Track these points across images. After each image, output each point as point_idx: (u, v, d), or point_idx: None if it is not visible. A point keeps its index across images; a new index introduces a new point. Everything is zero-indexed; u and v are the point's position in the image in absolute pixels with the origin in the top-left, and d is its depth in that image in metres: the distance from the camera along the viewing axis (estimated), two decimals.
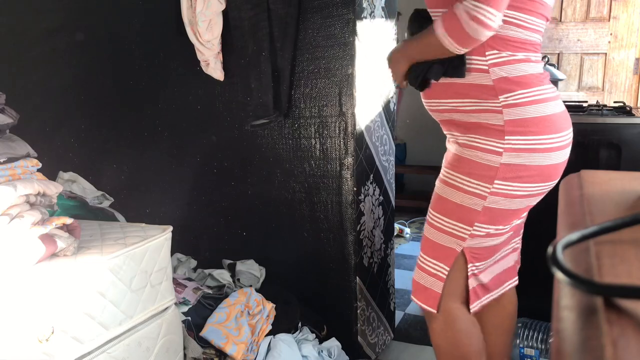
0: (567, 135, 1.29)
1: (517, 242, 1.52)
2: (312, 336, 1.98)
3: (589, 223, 0.51)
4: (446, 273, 1.36)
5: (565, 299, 0.38)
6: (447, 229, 1.34)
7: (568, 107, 2.24)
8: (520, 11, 1.22)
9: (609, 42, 3.62)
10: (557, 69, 2.93)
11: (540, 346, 1.96)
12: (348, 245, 1.96)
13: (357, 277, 1.99)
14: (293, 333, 1.96)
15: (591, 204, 0.57)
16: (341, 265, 2.00)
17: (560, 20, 3.66)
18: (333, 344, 1.99)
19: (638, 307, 0.35)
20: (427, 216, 1.40)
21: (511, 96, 1.23)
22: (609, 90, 3.66)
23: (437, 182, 1.38)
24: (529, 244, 1.59)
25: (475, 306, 1.41)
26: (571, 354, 0.32)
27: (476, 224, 1.30)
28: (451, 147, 1.38)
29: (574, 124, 2.09)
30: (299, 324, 2.01)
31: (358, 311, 2.02)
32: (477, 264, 1.38)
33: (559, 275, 0.39)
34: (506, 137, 1.23)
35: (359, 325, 2.03)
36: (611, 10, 3.58)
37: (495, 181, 1.25)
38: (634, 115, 2.04)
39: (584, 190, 0.61)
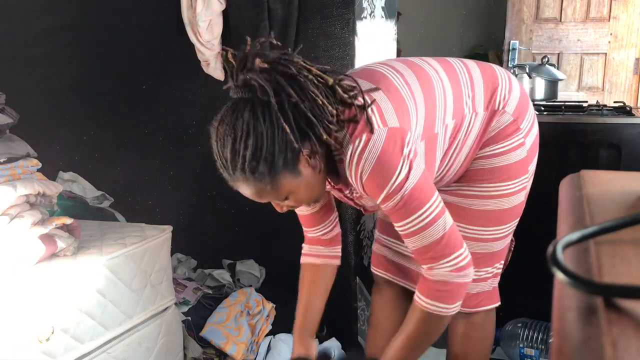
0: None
1: None
2: None
3: (589, 223, 0.51)
4: (502, 266, 1.38)
5: (565, 299, 0.38)
6: (505, 233, 1.33)
7: (568, 107, 2.25)
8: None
9: (609, 42, 3.62)
10: (557, 69, 2.93)
11: (540, 346, 1.96)
12: (348, 245, 1.96)
13: (357, 277, 1.99)
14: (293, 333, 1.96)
15: (591, 204, 0.57)
16: (341, 265, 1.99)
17: (560, 20, 3.66)
18: (333, 344, 1.99)
19: (638, 307, 0.35)
20: (474, 234, 1.29)
21: (499, 98, 1.27)
22: (609, 90, 3.66)
23: (468, 200, 1.28)
24: (529, 244, 1.59)
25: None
26: (571, 354, 0.32)
27: (522, 210, 1.34)
28: (472, 166, 1.31)
29: (574, 124, 2.10)
30: None
31: (358, 311, 2.02)
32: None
33: (559, 275, 0.39)
34: (520, 126, 1.27)
35: (359, 325, 2.03)
36: (611, 10, 3.58)
37: (529, 167, 1.30)
38: (634, 115, 2.04)
39: (584, 190, 0.61)
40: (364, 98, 1.05)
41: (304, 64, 1.03)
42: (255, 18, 1.90)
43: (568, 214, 0.56)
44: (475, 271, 1.26)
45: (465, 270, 1.08)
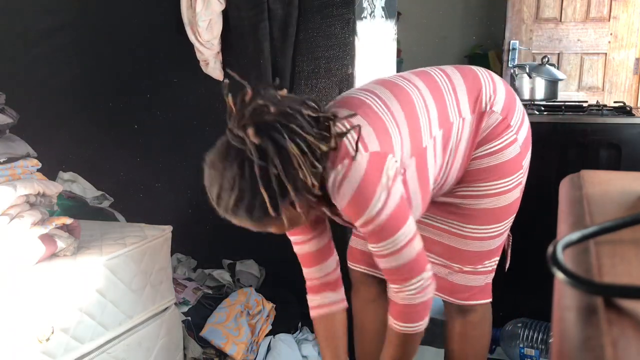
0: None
1: None
2: (312, 336, 1.98)
3: (589, 223, 0.51)
4: (497, 261, 1.40)
5: (565, 299, 0.38)
6: (502, 231, 1.34)
7: (568, 107, 2.25)
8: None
9: (609, 42, 3.62)
10: (557, 69, 2.93)
11: (540, 346, 1.96)
12: (348, 246, 1.96)
13: None
14: (293, 333, 1.96)
15: (591, 204, 0.57)
16: (341, 265, 1.99)
17: (560, 20, 3.66)
18: None
19: (638, 307, 0.35)
20: (467, 232, 1.31)
21: (487, 100, 1.29)
22: (609, 90, 3.66)
23: (462, 200, 1.31)
24: (529, 244, 1.59)
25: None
26: (571, 354, 0.32)
27: (518, 205, 1.36)
28: (468, 167, 1.33)
29: (574, 124, 2.10)
30: (299, 324, 2.01)
31: None
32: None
33: (559, 275, 0.39)
34: (510, 124, 1.28)
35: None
36: (611, 10, 3.58)
37: (523, 163, 1.31)
38: (634, 115, 2.03)
39: (584, 190, 0.61)
40: (345, 125, 1.08)
41: (301, 130, 1.01)
42: (255, 18, 1.90)
43: (568, 214, 0.56)
44: (472, 268, 1.36)
45: (427, 290, 1.15)
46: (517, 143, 1.29)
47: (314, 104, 1.07)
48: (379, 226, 1.09)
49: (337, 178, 1.07)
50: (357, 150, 1.07)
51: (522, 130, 1.30)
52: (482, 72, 1.32)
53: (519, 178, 1.31)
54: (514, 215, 1.35)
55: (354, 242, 1.53)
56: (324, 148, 1.04)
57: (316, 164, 1.03)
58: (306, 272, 1.38)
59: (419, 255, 1.13)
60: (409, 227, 1.11)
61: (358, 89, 1.26)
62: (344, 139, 1.08)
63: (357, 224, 1.12)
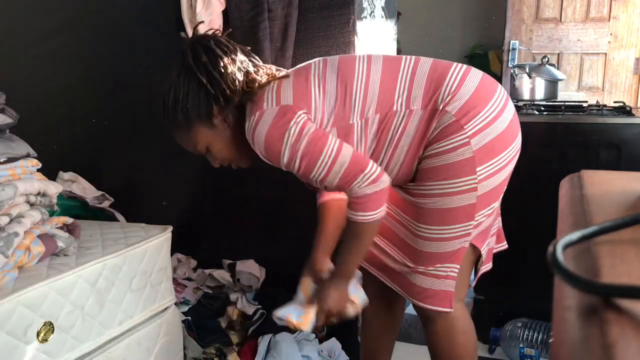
0: (501, 94, 1.32)
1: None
2: (312, 336, 1.98)
3: (589, 223, 0.51)
4: (457, 271, 1.34)
5: (565, 299, 0.38)
6: (451, 235, 1.31)
7: (568, 107, 2.25)
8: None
9: (609, 42, 3.62)
10: (557, 69, 2.93)
11: (540, 346, 1.96)
12: None
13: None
14: (293, 333, 1.96)
15: (591, 204, 0.57)
16: None
17: (560, 20, 3.66)
18: (333, 344, 1.99)
19: (638, 307, 0.35)
20: (417, 231, 1.34)
21: (441, 98, 1.27)
22: (609, 90, 3.66)
23: (414, 198, 1.33)
24: (529, 244, 1.59)
25: (485, 267, 1.45)
26: (571, 354, 0.32)
27: (476, 215, 1.30)
28: (419, 166, 1.35)
29: (574, 124, 2.10)
30: None
31: None
32: (484, 243, 1.39)
33: (559, 275, 0.39)
34: (465, 126, 1.24)
35: (359, 325, 2.03)
36: (611, 10, 3.58)
37: (477, 169, 1.25)
38: (634, 115, 2.04)
39: (584, 190, 0.61)
40: (267, 80, 1.30)
41: (227, 44, 1.30)
42: (255, 18, 1.90)
43: (568, 214, 0.56)
44: (424, 268, 1.35)
45: (379, 180, 1.23)
46: (468, 147, 1.24)
47: (255, 57, 1.35)
48: (302, 158, 1.23)
49: (250, 128, 1.26)
50: (268, 103, 1.25)
51: (480, 136, 1.25)
52: (454, 70, 1.29)
53: (470, 183, 1.26)
54: (470, 222, 1.30)
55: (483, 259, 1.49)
56: (251, 70, 1.30)
57: (239, 70, 1.28)
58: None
59: (353, 159, 1.23)
60: (332, 146, 1.23)
61: (323, 57, 1.38)
62: (264, 95, 1.26)
63: (282, 166, 1.26)
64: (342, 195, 1.44)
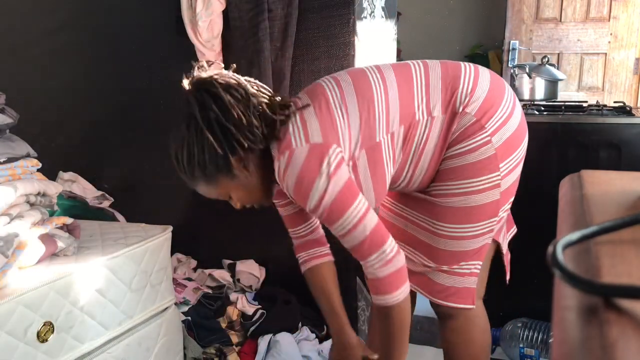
0: (509, 90, 1.35)
1: None
2: (312, 336, 1.98)
3: (589, 223, 0.51)
4: (480, 267, 1.36)
5: (565, 299, 0.38)
6: (477, 232, 1.32)
7: (568, 107, 2.25)
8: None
9: (609, 42, 3.62)
10: (557, 69, 2.93)
11: (540, 346, 1.96)
12: None
13: (357, 277, 1.99)
14: (293, 333, 1.96)
15: (591, 204, 0.57)
16: (341, 265, 1.99)
17: (560, 20, 3.66)
18: None
19: (638, 307, 0.35)
20: (440, 230, 1.33)
21: (461, 99, 1.27)
22: (609, 90, 3.66)
23: (436, 198, 1.33)
24: (528, 243, 1.59)
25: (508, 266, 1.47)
26: (571, 354, 0.32)
27: (500, 211, 1.32)
28: (440, 167, 1.35)
29: (574, 124, 2.10)
30: (299, 324, 2.01)
31: (358, 311, 2.02)
32: (501, 236, 1.41)
33: (559, 275, 0.39)
34: (485, 125, 1.26)
35: (359, 325, 2.03)
36: (611, 10, 3.58)
37: (500, 165, 1.28)
38: (634, 115, 2.04)
39: (584, 190, 0.61)
40: (287, 115, 1.21)
41: (235, 85, 1.19)
42: (255, 18, 1.90)
43: (568, 214, 0.56)
44: (448, 267, 1.35)
45: (391, 263, 1.20)
46: (490, 145, 1.26)
47: (264, 89, 1.25)
48: (326, 211, 1.18)
49: (281, 169, 1.19)
50: (297, 142, 1.17)
51: (500, 132, 1.27)
52: (466, 72, 1.30)
53: (495, 179, 1.28)
54: (494, 218, 1.32)
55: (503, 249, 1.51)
56: (267, 109, 1.19)
57: (254, 116, 1.18)
58: (292, 231, 1.47)
59: (373, 233, 1.19)
60: (358, 208, 1.18)
61: (331, 76, 1.32)
62: (289, 131, 1.19)
63: (308, 210, 1.21)
64: (321, 258, 1.46)
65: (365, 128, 1.24)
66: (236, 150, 1.18)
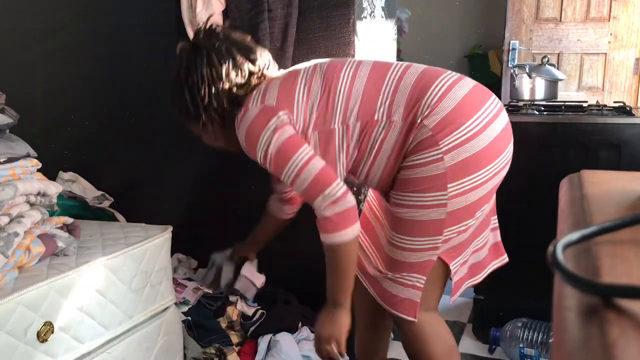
0: (489, 108, 1.27)
1: (495, 221, 1.46)
2: (312, 336, 1.98)
3: (589, 223, 0.51)
4: (424, 282, 1.32)
5: (565, 299, 0.38)
6: (417, 246, 1.30)
7: (568, 107, 2.25)
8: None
9: (609, 42, 3.62)
10: (557, 69, 2.93)
11: (540, 346, 1.96)
12: None
13: None
14: (293, 333, 1.96)
15: (591, 204, 0.57)
16: None
17: (560, 20, 3.66)
18: None
19: (638, 307, 0.35)
20: (390, 238, 1.34)
21: (420, 112, 1.25)
22: (609, 90, 3.66)
23: (391, 206, 1.33)
24: (528, 243, 1.59)
25: (457, 294, 1.39)
26: (571, 354, 0.32)
27: (445, 231, 1.27)
28: (397, 175, 1.35)
29: (574, 124, 2.10)
30: (299, 324, 2.01)
31: None
32: (456, 260, 1.35)
33: (559, 275, 0.39)
34: (439, 142, 1.22)
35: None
36: (611, 10, 3.58)
37: (449, 185, 1.23)
38: (634, 115, 2.03)
39: (584, 190, 0.61)
40: (255, 85, 1.36)
41: (224, 52, 1.34)
42: (255, 18, 1.90)
43: (568, 214, 0.56)
44: (392, 274, 1.36)
45: (339, 202, 1.24)
46: (442, 163, 1.22)
47: (255, 51, 1.39)
48: (272, 161, 1.28)
49: (236, 126, 1.33)
50: (253, 102, 1.31)
51: (455, 152, 1.22)
52: (439, 82, 1.27)
53: (440, 199, 1.24)
54: (438, 237, 1.28)
55: (456, 277, 1.43)
56: (236, 89, 1.34)
57: (216, 99, 1.34)
58: (273, 184, 1.62)
59: (318, 176, 1.25)
60: (301, 155, 1.26)
61: (316, 59, 1.43)
62: (251, 96, 1.33)
63: (259, 162, 1.31)
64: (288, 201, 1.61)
65: (322, 111, 1.30)
66: (199, 118, 1.38)
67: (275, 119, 1.27)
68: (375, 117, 1.28)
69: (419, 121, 1.25)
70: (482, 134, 1.24)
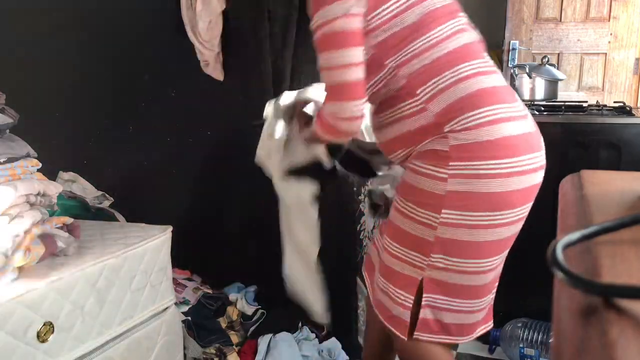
0: (527, 160, 1.16)
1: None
2: (312, 336, 1.99)
3: (589, 223, 0.51)
4: (411, 302, 1.25)
5: (565, 299, 0.38)
6: (405, 257, 1.25)
7: (568, 107, 2.25)
8: (413, 40, 1.19)
9: (609, 42, 3.62)
10: (557, 69, 2.93)
11: (540, 346, 1.96)
12: (348, 245, 1.96)
13: (357, 277, 1.99)
14: (293, 333, 1.96)
15: (591, 204, 0.57)
16: (341, 265, 2.00)
17: (560, 20, 3.66)
18: (333, 343, 1.99)
19: (638, 307, 0.35)
20: (384, 243, 1.31)
21: (455, 122, 1.15)
22: (609, 90, 3.65)
23: (391, 209, 1.29)
24: (528, 244, 1.59)
25: (420, 335, 1.26)
26: (571, 354, 0.32)
27: (432, 254, 1.21)
28: (403, 173, 1.30)
29: (574, 124, 2.10)
30: (299, 324, 2.01)
31: (358, 311, 2.02)
32: (434, 295, 1.24)
33: (559, 275, 0.39)
34: (450, 163, 1.14)
35: (359, 325, 2.03)
36: (611, 10, 3.58)
37: (443, 210, 1.16)
38: (634, 115, 2.04)
39: (584, 190, 0.61)
40: None
41: None
42: (255, 18, 1.90)
43: (568, 214, 0.56)
44: (380, 281, 1.31)
45: (355, 121, 1.20)
46: (444, 184, 1.15)
47: None
48: (322, 37, 1.17)
49: None
50: None
51: (461, 182, 1.14)
52: (493, 109, 1.16)
53: (432, 220, 1.18)
54: (422, 256, 1.21)
55: (427, 313, 1.31)
56: None
57: None
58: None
59: (350, 84, 1.16)
60: (350, 54, 1.15)
61: None
62: None
63: (311, 24, 1.19)
64: None
65: (393, 42, 1.20)
66: None
67: (355, 2, 1.14)
68: (418, 91, 1.18)
69: (445, 130, 1.15)
70: (497, 179, 1.13)
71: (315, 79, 1.92)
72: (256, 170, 2.11)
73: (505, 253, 1.28)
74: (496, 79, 1.24)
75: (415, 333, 1.26)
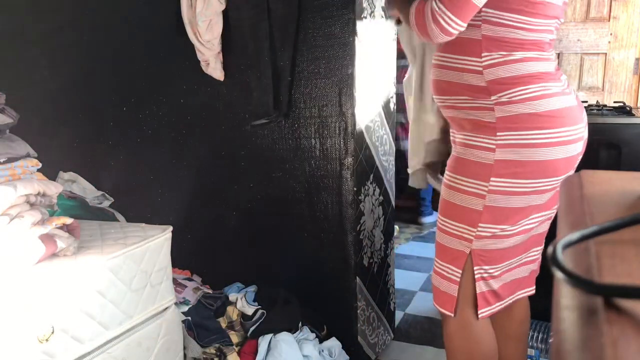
0: (571, 131, 1.25)
1: (537, 253, 1.45)
2: (312, 336, 1.98)
3: (589, 223, 0.51)
4: (459, 276, 1.34)
5: (565, 299, 0.38)
6: (453, 231, 1.34)
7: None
8: (519, 13, 1.21)
9: (609, 42, 3.62)
10: None
11: (540, 346, 1.96)
12: (348, 245, 1.96)
13: (357, 277, 1.99)
14: (293, 333, 1.96)
15: (591, 204, 0.57)
16: (341, 265, 2.00)
17: None
18: (333, 343, 1.99)
19: (638, 307, 0.35)
20: (437, 221, 1.40)
21: (503, 95, 1.22)
22: (609, 90, 3.66)
23: (442, 187, 1.38)
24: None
25: (483, 312, 1.36)
26: (571, 354, 0.32)
27: (480, 224, 1.29)
28: (453, 149, 1.38)
29: None
30: (299, 324, 2.01)
31: (358, 311, 2.02)
32: (485, 267, 1.34)
33: (559, 275, 0.39)
34: (498, 134, 1.23)
35: (359, 325, 2.03)
36: (611, 10, 3.58)
37: (492, 179, 1.24)
38: (634, 115, 2.04)
39: (584, 190, 0.61)
40: None
41: None
42: (255, 18, 1.90)
43: (568, 214, 0.56)
44: (437, 261, 1.40)
45: (443, 33, 1.20)
46: (492, 154, 1.23)
47: None
48: None
49: None
50: None
51: (509, 150, 1.22)
52: (541, 87, 1.25)
53: (480, 188, 1.26)
54: (470, 228, 1.29)
55: (481, 286, 1.38)
56: None
57: None
58: None
59: (470, 5, 1.17)
60: None
61: None
62: None
63: None
64: None
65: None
66: None
67: None
68: (483, 54, 1.23)
69: (492, 100, 1.22)
70: (544, 148, 1.21)
71: (314, 78, 1.92)
72: (256, 170, 2.12)
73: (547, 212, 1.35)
74: (553, 66, 1.31)
75: (479, 313, 1.35)
